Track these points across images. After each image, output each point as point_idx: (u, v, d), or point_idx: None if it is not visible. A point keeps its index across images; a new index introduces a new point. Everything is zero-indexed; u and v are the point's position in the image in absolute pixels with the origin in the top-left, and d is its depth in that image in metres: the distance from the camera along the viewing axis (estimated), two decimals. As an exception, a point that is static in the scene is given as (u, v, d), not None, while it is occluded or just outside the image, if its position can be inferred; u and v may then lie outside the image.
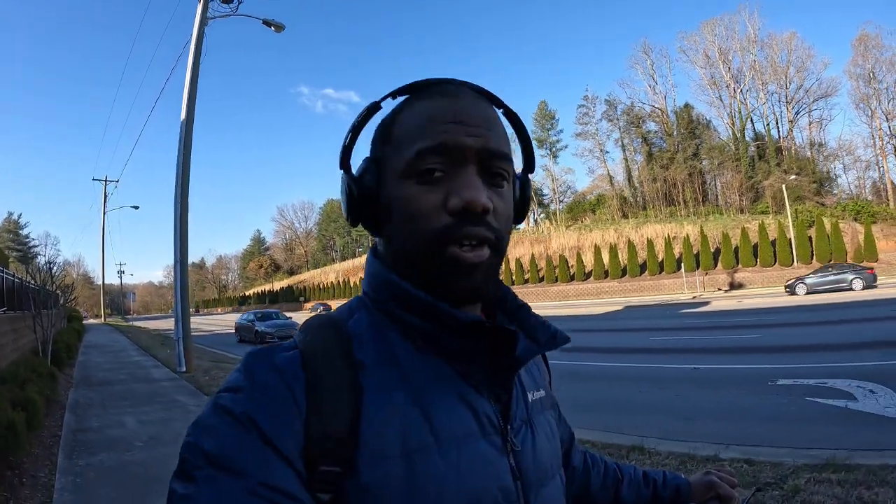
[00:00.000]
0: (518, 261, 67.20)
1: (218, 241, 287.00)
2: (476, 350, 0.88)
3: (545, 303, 55.41)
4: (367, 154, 0.97)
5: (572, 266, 62.96)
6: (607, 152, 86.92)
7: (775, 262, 52.74)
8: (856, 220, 56.53)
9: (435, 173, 0.86)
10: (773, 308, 29.86)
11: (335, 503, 0.77)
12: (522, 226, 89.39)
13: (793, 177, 61.31)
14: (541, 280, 64.94)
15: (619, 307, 40.54)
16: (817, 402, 8.84)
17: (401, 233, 0.89)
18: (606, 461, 1.39)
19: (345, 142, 0.95)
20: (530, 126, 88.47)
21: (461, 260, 0.85)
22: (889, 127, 70.56)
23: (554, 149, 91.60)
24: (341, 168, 0.96)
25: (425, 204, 0.85)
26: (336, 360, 0.83)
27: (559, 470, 1.04)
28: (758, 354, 14.46)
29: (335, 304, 50.17)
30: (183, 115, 16.93)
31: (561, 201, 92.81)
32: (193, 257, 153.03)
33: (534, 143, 1.04)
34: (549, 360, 1.24)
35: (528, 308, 1.02)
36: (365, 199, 0.92)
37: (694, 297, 44.29)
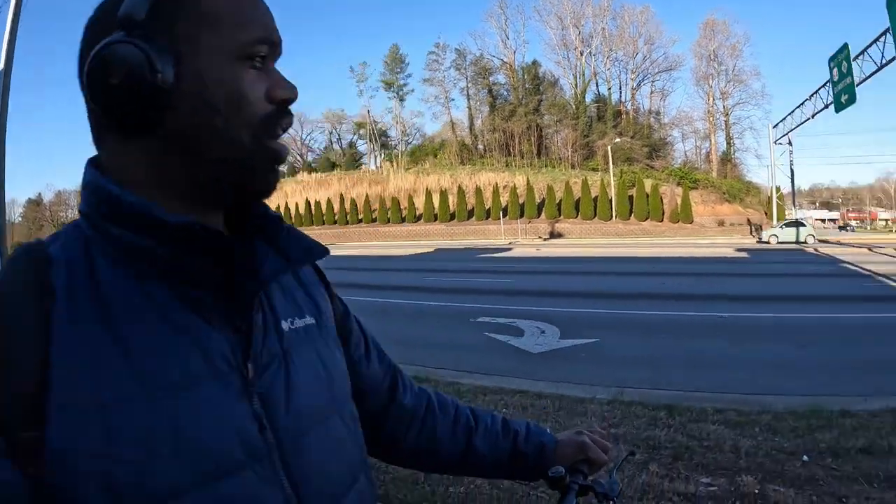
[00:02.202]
0: (353, 200, 66.73)
1: (57, 175, 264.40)
2: (202, 269, 0.74)
3: (374, 242, 55.93)
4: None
5: (405, 208, 63.38)
6: (452, 100, 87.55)
7: (595, 215, 55.71)
8: (679, 185, 60.13)
9: (257, 61, 0.76)
10: (562, 257, 31.66)
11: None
12: (364, 166, 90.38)
13: (617, 139, 64.59)
14: (374, 220, 65.02)
15: (431, 249, 41.35)
16: (494, 336, 10.48)
17: (211, 123, 0.73)
18: (458, 406, 1.22)
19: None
20: (379, 69, 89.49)
21: (281, 152, 0.79)
22: (723, 105, 76.70)
23: (401, 92, 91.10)
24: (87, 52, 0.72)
25: (256, 92, 0.75)
26: (25, 296, 0.67)
27: (342, 410, 0.90)
28: (488, 296, 16.00)
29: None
30: None
31: (409, 143, 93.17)
32: (28, 192, 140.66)
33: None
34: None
35: (280, 219, 0.87)
36: (150, 88, 0.69)
37: (509, 244, 46.02)
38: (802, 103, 42.84)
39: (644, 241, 47.42)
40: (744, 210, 61.75)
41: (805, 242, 40.09)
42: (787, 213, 56.40)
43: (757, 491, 4.15)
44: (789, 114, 47.00)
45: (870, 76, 30.04)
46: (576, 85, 77.58)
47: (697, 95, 78.58)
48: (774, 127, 52.02)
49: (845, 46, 31.55)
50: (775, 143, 52.10)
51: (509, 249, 37.99)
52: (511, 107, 76.14)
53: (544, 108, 75.77)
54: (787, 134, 49.23)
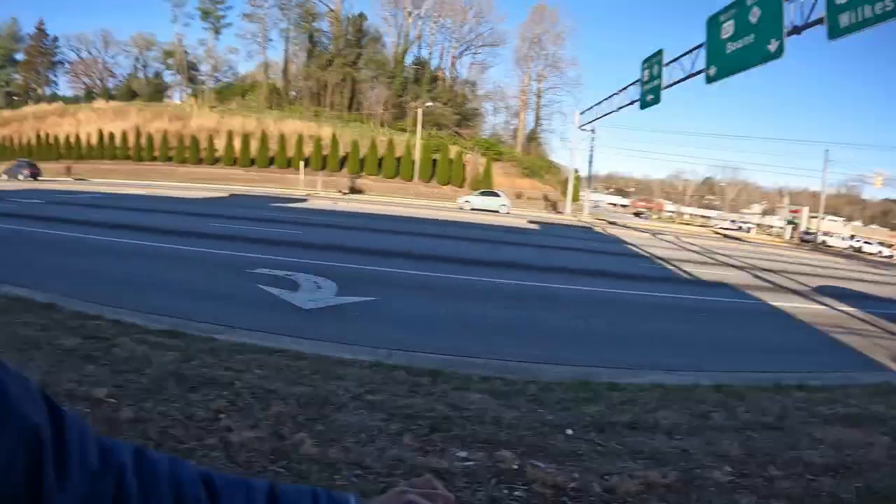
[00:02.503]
0: (150, 136, 61.80)
1: None
2: None
3: (168, 182, 51.75)
4: None
5: (204, 149, 59.90)
6: (271, 40, 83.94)
7: (397, 175, 55.64)
8: (483, 155, 61.60)
9: None
10: (358, 213, 31.05)
11: None
12: (168, 100, 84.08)
13: (430, 104, 64.80)
14: (169, 159, 60.82)
15: (225, 194, 39.18)
16: (266, 289, 9.74)
17: None
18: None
19: None
20: None
21: None
22: (537, 87, 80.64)
23: (218, 24, 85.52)
24: None
25: None
26: None
27: None
28: (271, 246, 14.97)
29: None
30: None
31: (218, 80, 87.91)
32: None
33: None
34: None
35: None
36: None
37: (307, 195, 44.73)
38: (611, 96, 44.92)
39: (442, 205, 47.81)
40: (542, 186, 64.66)
41: (497, 211, 42.87)
42: (581, 193, 59.80)
43: (516, 467, 3.90)
44: (597, 104, 49.19)
45: (677, 82, 31.86)
46: (398, 44, 76.93)
47: (514, 74, 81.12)
48: (582, 113, 54.37)
49: (660, 52, 33.44)
50: (580, 128, 54.54)
51: (305, 200, 36.77)
52: (329, 56, 73.94)
53: (362, 63, 74.28)
54: (592, 122, 51.56)
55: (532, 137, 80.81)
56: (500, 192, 46.85)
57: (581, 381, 6.06)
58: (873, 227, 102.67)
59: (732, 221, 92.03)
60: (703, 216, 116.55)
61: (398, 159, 56.69)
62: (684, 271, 18.85)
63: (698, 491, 3.93)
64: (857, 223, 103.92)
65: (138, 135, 61.90)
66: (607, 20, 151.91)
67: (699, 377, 6.89)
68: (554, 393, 5.59)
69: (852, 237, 78.85)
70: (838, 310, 15.36)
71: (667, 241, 34.34)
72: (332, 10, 78.58)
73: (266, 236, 17.09)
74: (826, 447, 5.00)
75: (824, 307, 15.40)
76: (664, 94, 32.36)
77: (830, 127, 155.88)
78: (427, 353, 6.87)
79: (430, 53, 79.80)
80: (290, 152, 56.96)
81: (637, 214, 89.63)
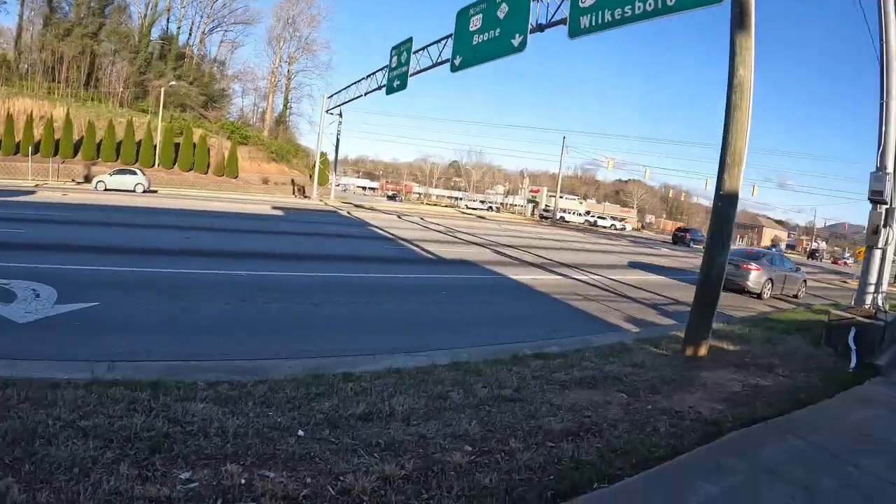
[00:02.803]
0: None
1: None
2: None
3: None
4: None
5: None
6: (4, 2, 74.07)
7: (137, 161, 51.71)
8: (229, 139, 59.42)
9: None
10: (89, 204, 28.14)
11: None
12: None
13: (173, 83, 61.15)
14: None
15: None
16: None
17: None
18: None
19: None
20: None
21: None
22: (287, 69, 78.86)
23: None
24: None
25: None
26: None
27: None
28: None
29: None
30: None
31: None
32: None
33: None
34: None
35: None
36: None
37: (36, 186, 40.23)
38: (359, 81, 44.97)
39: (187, 193, 45.43)
40: (290, 171, 63.96)
41: (134, 191, 41.69)
42: (329, 177, 59.89)
43: (243, 481, 3.65)
44: (344, 88, 49.06)
45: (424, 69, 32.61)
46: (145, 16, 71.21)
47: (266, 55, 78.81)
48: (329, 97, 54.09)
49: (409, 39, 34.05)
50: (327, 112, 54.35)
51: (33, 193, 32.91)
52: (69, 25, 66.60)
53: (104, 34, 67.76)
54: (339, 106, 51.46)
55: (281, 121, 79.24)
56: (136, 171, 43.92)
57: (314, 375, 5.91)
58: (606, 204, 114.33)
59: (482, 202, 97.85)
60: (450, 197, 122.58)
61: (138, 143, 52.29)
62: (427, 251, 19.58)
63: (438, 477, 3.99)
64: (592, 201, 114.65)
65: None
66: (367, 7, 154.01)
67: (438, 357, 7.26)
68: (284, 392, 5.39)
69: (587, 213, 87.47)
70: (574, 278, 16.88)
71: (412, 222, 35.47)
72: (75, -29, 71.12)
73: None
74: (565, 412, 5.52)
75: (561, 277, 17.05)
76: (412, 80, 33.10)
77: (568, 116, 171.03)
78: (152, 360, 6.34)
79: (179, 28, 74.17)
80: (19, 136, 50.51)
81: (391, 198, 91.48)
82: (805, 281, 21.99)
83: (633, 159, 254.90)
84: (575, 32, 19.02)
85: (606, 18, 17.46)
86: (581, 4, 18.57)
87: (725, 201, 8.85)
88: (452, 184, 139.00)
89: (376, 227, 28.24)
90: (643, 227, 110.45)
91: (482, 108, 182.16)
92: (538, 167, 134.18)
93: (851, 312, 10.76)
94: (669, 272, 23.51)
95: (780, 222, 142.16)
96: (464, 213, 66.09)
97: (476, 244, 24.28)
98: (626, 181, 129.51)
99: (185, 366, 6.20)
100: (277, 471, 3.86)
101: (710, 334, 9.02)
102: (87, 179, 47.14)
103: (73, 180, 46.74)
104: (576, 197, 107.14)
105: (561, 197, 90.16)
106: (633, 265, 24.56)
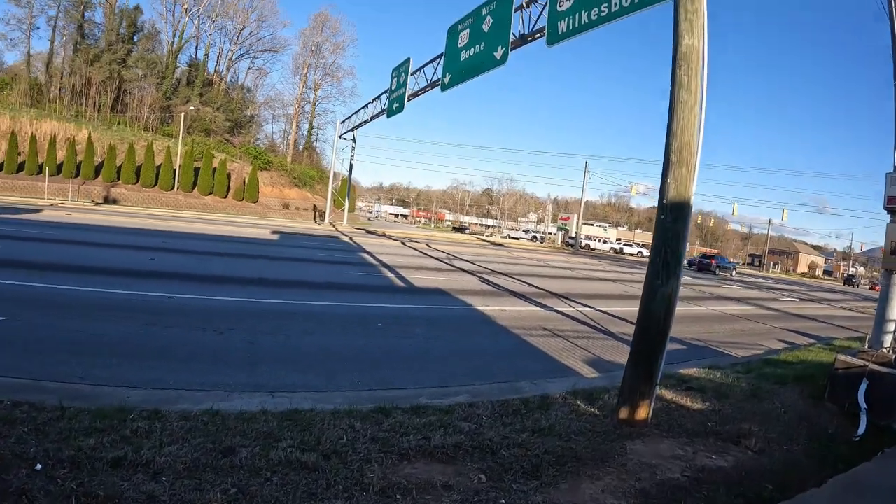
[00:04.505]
0: None
1: None
2: None
3: None
4: None
5: (-58, 150, 52.46)
6: (37, 28, 75.13)
7: (157, 184, 51.90)
8: (251, 164, 59.36)
9: None
10: (86, 225, 27.95)
11: None
12: None
13: (192, 108, 61.38)
14: None
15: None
16: None
17: None
18: None
19: None
20: None
21: None
22: (313, 95, 79.91)
23: None
24: None
25: None
26: None
27: None
28: None
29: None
30: None
31: None
32: None
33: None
34: None
35: None
36: None
37: (51, 204, 40.38)
38: (366, 105, 44.90)
39: (195, 216, 44.88)
40: (312, 196, 63.45)
41: None
42: (355, 203, 59.40)
43: None
44: (354, 112, 49.21)
45: (420, 91, 32.09)
46: (173, 42, 72.08)
47: (292, 81, 79.37)
48: (342, 122, 53.87)
49: (407, 60, 33.50)
50: (341, 137, 53.91)
51: (38, 211, 32.76)
52: (98, 50, 67.56)
53: (132, 61, 68.67)
54: (350, 130, 51.09)
55: (306, 147, 79.56)
56: None
57: (113, 409, 5.21)
58: (638, 231, 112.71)
59: (525, 231, 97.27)
60: (481, 225, 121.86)
61: (158, 167, 52.64)
62: (404, 279, 18.39)
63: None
64: (624, 228, 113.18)
65: None
66: (391, 32, 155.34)
67: (297, 399, 6.09)
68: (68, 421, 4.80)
69: (618, 240, 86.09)
70: (554, 310, 15.46)
71: (416, 249, 34.24)
72: (106, 1, 72.26)
73: None
74: (370, 496, 4.13)
75: (539, 308, 15.49)
76: (444, 101, 33.04)
77: (597, 141, 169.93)
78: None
79: (207, 55, 75.16)
80: (43, 157, 51.06)
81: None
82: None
83: None
84: (553, 39, 18.39)
85: (583, 20, 16.83)
86: (559, 8, 17.92)
87: (671, 212, 6.26)
88: (485, 211, 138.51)
89: (368, 252, 27.11)
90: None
91: (514, 135, 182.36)
92: (570, 194, 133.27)
93: (864, 357, 7.86)
94: (679, 302, 21.32)
95: (816, 248, 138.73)
96: (482, 240, 64.88)
97: (467, 272, 23.00)
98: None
99: (32, 384, 5.85)
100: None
101: (655, 390, 6.41)
102: (107, 200, 47.37)
103: (92, 201, 46.93)
104: (605, 224, 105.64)
105: (591, 224, 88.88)
106: (634, 296, 22.35)
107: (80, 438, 4.49)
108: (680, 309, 18.12)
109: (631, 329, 12.98)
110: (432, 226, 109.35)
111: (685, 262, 7.55)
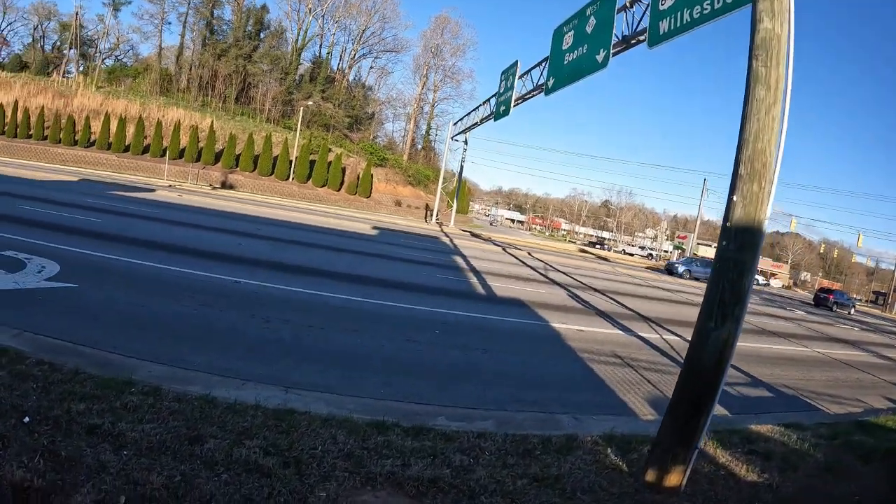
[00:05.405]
0: (27, 111, 57.23)
1: None
2: None
3: (34, 162, 48.16)
4: None
5: (79, 131, 56.35)
6: (168, 23, 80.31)
7: (273, 173, 53.92)
8: (367, 160, 60.58)
9: None
10: (194, 207, 29.42)
11: None
12: (56, 75, 78.50)
13: (310, 102, 63.29)
14: (45, 138, 56.80)
15: (75, 178, 36.66)
16: None
17: None
18: None
19: None
20: None
21: None
22: (432, 96, 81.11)
23: (118, 1, 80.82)
24: None
25: None
26: None
27: None
28: (46, 231, 14.11)
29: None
30: None
31: (118, 59, 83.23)
32: None
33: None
34: None
35: None
36: None
37: (170, 185, 42.80)
38: (476, 108, 44.93)
39: (304, 206, 46.29)
40: (425, 195, 63.99)
41: None
42: (469, 205, 59.53)
43: None
44: (466, 114, 49.20)
45: (525, 95, 31.81)
46: (297, 40, 74.95)
47: (412, 82, 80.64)
48: (454, 124, 54.05)
49: (515, 63, 33.18)
50: (452, 138, 54.14)
51: (153, 191, 34.58)
52: (225, 45, 71.22)
53: (258, 56, 71.95)
54: (462, 132, 51.23)
55: (425, 146, 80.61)
56: None
57: (126, 381, 5.41)
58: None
59: (641, 247, 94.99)
60: (596, 237, 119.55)
61: (276, 157, 54.87)
62: (488, 286, 17.96)
63: None
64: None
65: (16, 109, 57.31)
66: (511, 32, 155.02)
67: (302, 399, 5.93)
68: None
69: None
70: (636, 335, 14.38)
71: (515, 256, 33.71)
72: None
73: (56, 221, 16.07)
74: None
75: (620, 332, 14.37)
76: (527, 109, 32.89)
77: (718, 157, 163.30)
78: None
79: (330, 53, 78.20)
80: (167, 141, 54.18)
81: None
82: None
83: (791, 210, 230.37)
84: (654, 40, 17.89)
85: (685, 19, 16.24)
86: (661, 7, 17.39)
87: (736, 239, 5.00)
88: (602, 223, 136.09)
89: (462, 255, 26.84)
90: (795, 284, 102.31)
91: (634, 147, 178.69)
92: (688, 211, 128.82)
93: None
94: (776, 340, 19.17)
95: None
96: (585, 251, 63.47)
97: (559, 284, 22.28)
98: (783, 234, 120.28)
99: (71, 348, 6.33)
100: None
101: (693, 454, 5.11)
102: (224, 186, 49.61)
103: (210, 185, 49.29)
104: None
105: (708, 245, 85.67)
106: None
107: (74, 402, 4.69)
108: (776, 348, 16.86)
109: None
110: (546, 234, 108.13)
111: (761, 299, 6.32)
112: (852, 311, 51.25)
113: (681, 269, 47.41)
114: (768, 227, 5.26)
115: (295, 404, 5.65)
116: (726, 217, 5.19)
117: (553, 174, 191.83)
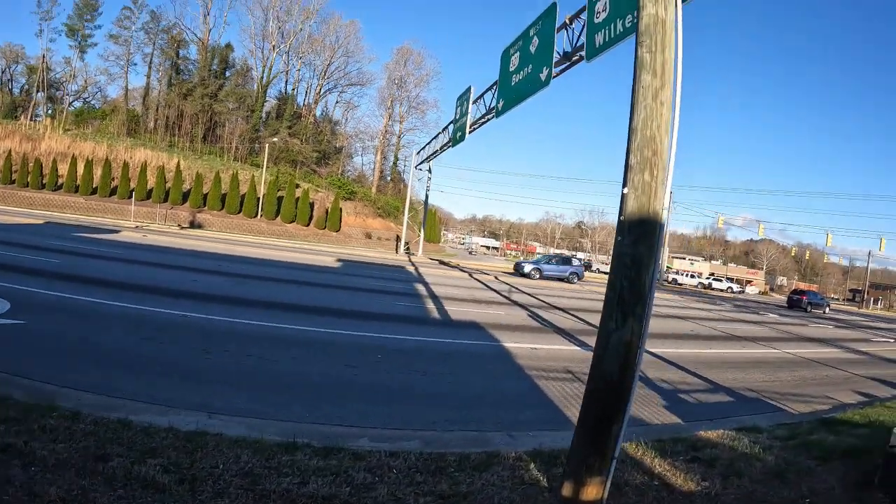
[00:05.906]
0: None
1: None
2: None
3: (2, 206, 48.29)
4: None
5: (46, 175, 56.34)
6: (134, 64, 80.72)
7: (241, 211, 54.18)
8: (336, 194, 60.98)
9: None
10: (157, 246, 29.58)
11: None
12: (23, 119, 78.37)
13: (275, 139, 63.84)
14: (12, 182, 56.67)
15: (41, 221, 36.68)
16: None
17: None
18: None
19: None
20: (70, 11, 77.95)
21: None
22: (398, 127, 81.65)
23: (84, 43, 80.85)
24: None
25: None
26: None
27: None
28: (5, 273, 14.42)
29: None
30: None
31: (87, 102, 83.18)
32: None
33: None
34: None
35: None
36: None
37: (136, 227, 42.75)
38: (436, 136, 45.57)
39: (271, 242, 46.87)
40: (395, 226, 64.43)
41: None
42: (440, 234, 59.94)
43: None
44: (427, 143, 50.04)
45: (479, 119, 32.39)
46: (262, 77, 75.56)
47: (378, 114, 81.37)
48: (417, 153, 54.75)
49: (468, 89, 33.82)
50: (416, 167, 54.89)
51: (117, 232, 34.73)
52: (191, 85, 71.69)
53: (223, 94, 72.42)
54: (425, 161, 51.86)
55: (393, 178, 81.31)
56: None
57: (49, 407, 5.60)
58: (731, 265, 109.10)
59: None
60: (572, 256, 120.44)
61: (243, 195, 55.23)
62: (445, 310, 18.16)
63: None
64: (718, 262, 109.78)
65: (-24, 154, 57.01)
66: (476, 58, 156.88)
67: (224, 423, 6.09)
68: None
69: (711, 275, 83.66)
70: (592, 350, 14.25)
71: (480, 281, 33.94)
72: (199, 39, 76.55)
73: (14, 263, 16.56)
74: None
75: (577, 348, 14.42)
76: (489, 134, 33.20)
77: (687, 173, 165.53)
78: None
79: (295, 90, 79.01)
80: (134, 182, 54.33)
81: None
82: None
83: (762, 216, 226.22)
84: (590, 53, 18.57)
85: (618, 30, 16.87)
86: (595, 20, 18.07)
87: (630, 232, 4.63)
88: (577, 244, 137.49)
89: (424, 283, 26.99)
90: (771, 289, 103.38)
91: (602, 165, 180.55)
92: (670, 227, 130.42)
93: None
94: (744, 344, 19.41)
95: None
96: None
97: (520, 305, 22.54)
98: (757, 241, 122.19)
99: (7, 378, 6.50)
100: None
101: (611, 465, 4.57)
102: (192, 225, 49.70)
103: (178, 225, 49.41)
104: (697, 258, 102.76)
105: (682, 258, 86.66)
106: (697, 336, 20.33)
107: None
108: (742, 352, 17.05)
109: (677, 376, 12.33)
110: (521, 258, 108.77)
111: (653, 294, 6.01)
112: (827, 310, 52.10)
113: (528, 268, 44.66)
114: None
115: (213, 428, 5.78)
116: (620, 211, 4.79)
117: (521, 198, 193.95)
